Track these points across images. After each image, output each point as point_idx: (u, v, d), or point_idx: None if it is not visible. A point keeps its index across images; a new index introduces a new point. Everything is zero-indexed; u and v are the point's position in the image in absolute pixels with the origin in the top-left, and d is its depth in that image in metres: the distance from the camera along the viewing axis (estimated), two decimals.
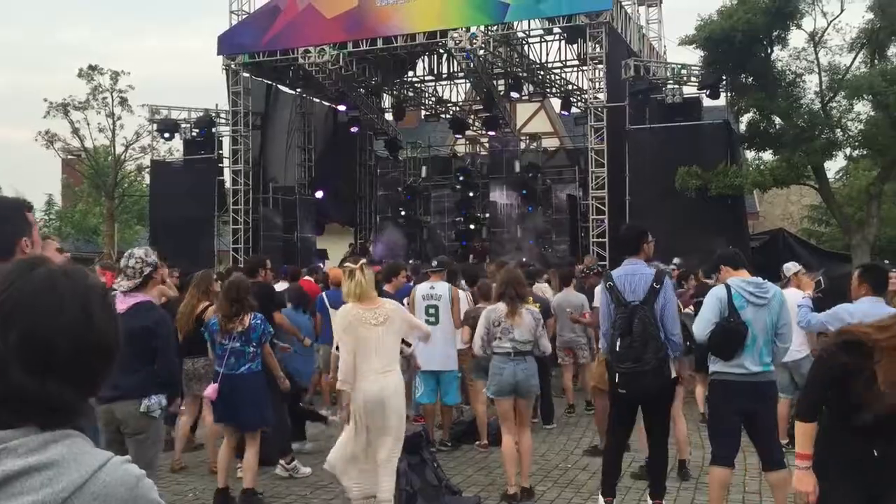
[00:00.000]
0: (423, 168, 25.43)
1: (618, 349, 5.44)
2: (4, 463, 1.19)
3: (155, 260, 4.93)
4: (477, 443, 8.33)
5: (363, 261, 5.65)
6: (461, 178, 23.87)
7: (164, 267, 9.93)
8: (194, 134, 21.16)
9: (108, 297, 1.38)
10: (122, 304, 4.76)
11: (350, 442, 5.46)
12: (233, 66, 20.27)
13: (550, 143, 26.37)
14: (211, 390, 6.30)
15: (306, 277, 11.61)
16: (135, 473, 1.26)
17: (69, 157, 31.57)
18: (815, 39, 17.34)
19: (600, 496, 5.94)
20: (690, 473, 7.08)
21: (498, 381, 6.51)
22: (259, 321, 6.38)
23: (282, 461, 7.20)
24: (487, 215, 23.46)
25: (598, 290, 6.36)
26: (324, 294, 9.79)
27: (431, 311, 8.17)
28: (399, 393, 5.49)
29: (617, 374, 5.52)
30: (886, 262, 14.84)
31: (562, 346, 9.82)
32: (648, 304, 5.45)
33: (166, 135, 21.46)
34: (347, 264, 5.66)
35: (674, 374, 5.60)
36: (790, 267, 8.78)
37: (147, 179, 27.92)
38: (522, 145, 24.53)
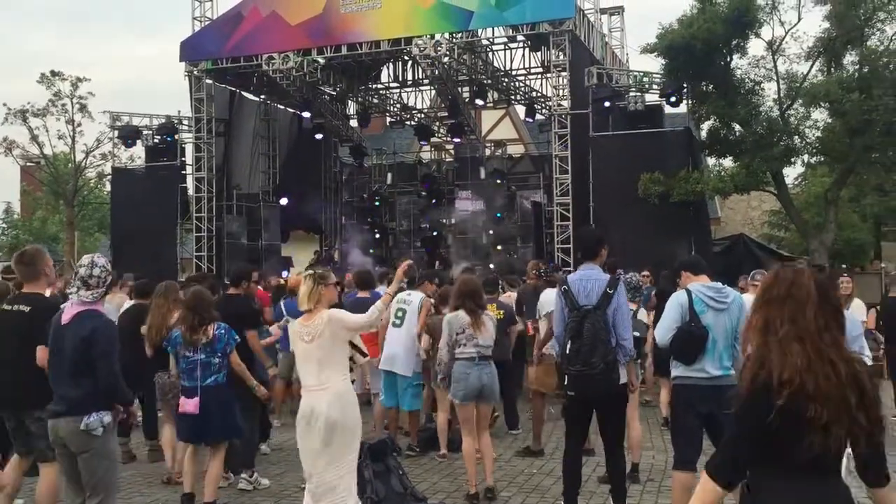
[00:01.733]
0: (389, 175, 25.43)
1: (567, 352, 5.50)
2: None
3: (111, 269, 4.88)
4: (437, 453, 8.28)
5: (320, 271, 5.50)
6: (427, 185, 23.92)
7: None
8: (156, 141, 20.90)
9: None
10: (67, 314, 4.69)
11: (301, 454, 5.28)
12: (196, 72, 20.09)
13: (515, 149, 26.50)
14: (193, 406, 6.15)
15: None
16: None
17: (28, 164, 31.06)
18: (774, 48, 17.66)
19: None
20: (640, 478, 7.16)
21: (464, 387, 6.59)
22: (223, 331, 6.30)
23: (244, 475, 7.12)
24: (453, 221, 23.50)
25: (553, 293, 6.34)
26: (282, 303, 9.74)
27: (399, 314, 8.27)
28: (334, 409, 5.05)
29: (567, 377, 5.58)
30: (843, 266, 15.13)
31: None
32: (601, 309, 5.52)
33: (128, 142, 21.18)
34: (307, 271, 5.58)
35: (624, 379, 5.65)
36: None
37: (108, 187, 27.55)
38: (487, 152, 24.62)
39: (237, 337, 6.44)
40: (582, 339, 5.43)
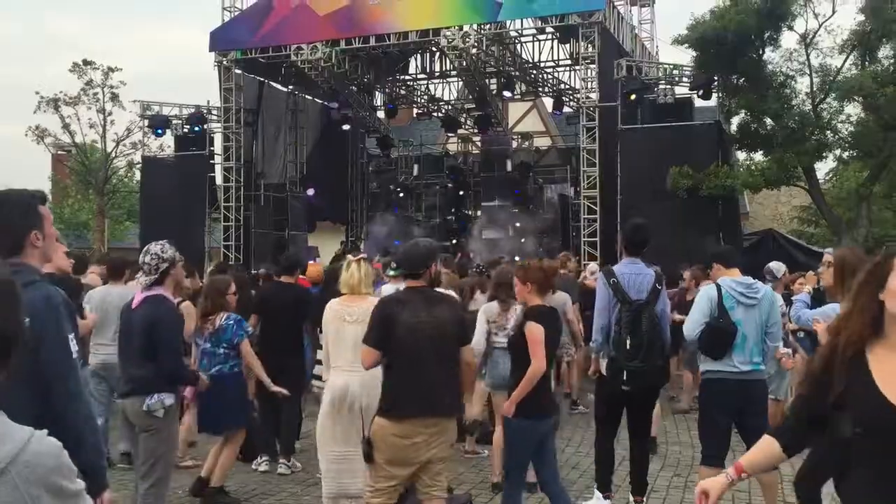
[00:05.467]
0: (415, 166, 25.40)
1: (628, 347, 5.47)
2: None
3: (172, 255, 4.95)
4: (463, 445, 8.23)
5: (363, 255, 5.63)
6: (453, 177, 23.90)
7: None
8: (186, 130, 21.06)
9: (12, 292, 1.52)
10: (136, 299, 4.92)
11: (321, 434, 5.43)
12: (225, 62, 20.20)
13: (542, 142, 26.39)
14: (189, 393, 6.18)
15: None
16: (58, 444, 1.40)
17: (60, 152, 31.43)
18: (807, 41, 17.41)
19: (596, 490, 5.97)
20: (665, 473, 7.14)
21: (495, 374, 6.64)
22: (231, 321, 6.26)
23: (283, 460, 7.19)
24: (479, 214, 23.48)
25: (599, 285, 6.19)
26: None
27: None
28: (366, 391, 5.19)
29: (625, 372, 5.54)
30: None
31: None
32: (651, 304, 5.50)
33: (157, 131, 21.36)
34: (349, 257, 5.67)
35: None
36: (780, 267, 8.64)
37: (138, 175, 27.80)
38: (514, 144, 24.54)
39: (249, 329, 6.43)
40: (642, 335, 5.44)
